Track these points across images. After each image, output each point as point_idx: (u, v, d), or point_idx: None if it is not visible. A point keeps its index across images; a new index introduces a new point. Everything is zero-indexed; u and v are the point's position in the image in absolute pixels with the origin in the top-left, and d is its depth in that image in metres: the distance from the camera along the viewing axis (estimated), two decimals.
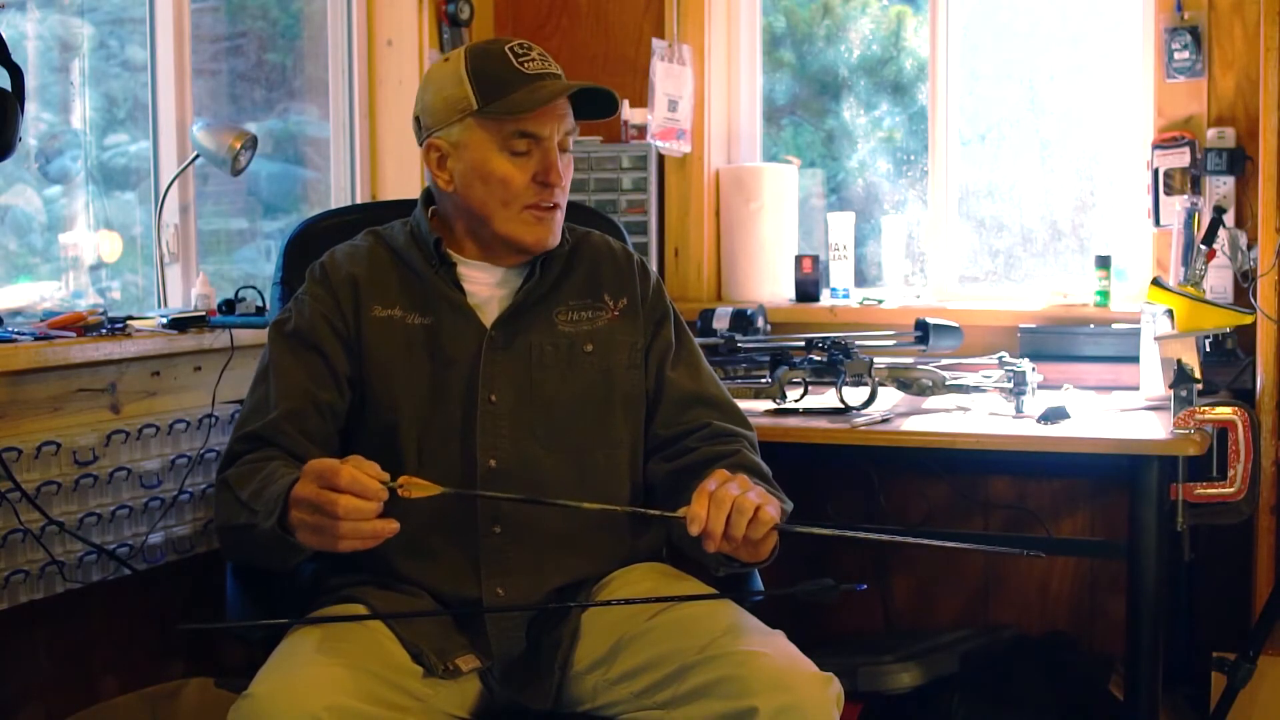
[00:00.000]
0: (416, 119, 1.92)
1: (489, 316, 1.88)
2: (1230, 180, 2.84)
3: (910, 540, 1.64)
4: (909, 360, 2.73)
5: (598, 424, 1.88)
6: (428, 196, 1.96)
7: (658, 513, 1.73)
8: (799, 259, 3.27)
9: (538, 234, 1.87)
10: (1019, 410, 2.56)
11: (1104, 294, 2.97)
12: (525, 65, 1.83)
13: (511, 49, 1.84)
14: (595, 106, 1.91)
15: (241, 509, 1.70)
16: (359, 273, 1.89)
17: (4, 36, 1.97)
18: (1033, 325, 2.97)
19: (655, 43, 3.27)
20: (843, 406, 2.58)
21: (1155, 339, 2.56)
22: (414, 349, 1.86)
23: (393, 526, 1.57)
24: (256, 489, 1.69)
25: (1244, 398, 2.63)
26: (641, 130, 3.29)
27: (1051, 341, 2.92)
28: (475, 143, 1.85)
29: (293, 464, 1.71)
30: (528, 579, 1.81)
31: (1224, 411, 2.37)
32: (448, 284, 1.88)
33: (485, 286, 1.91)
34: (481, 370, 1.84)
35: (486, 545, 1.81)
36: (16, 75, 1.97)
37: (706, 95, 3.36)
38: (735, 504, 1.61)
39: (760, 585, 1.99)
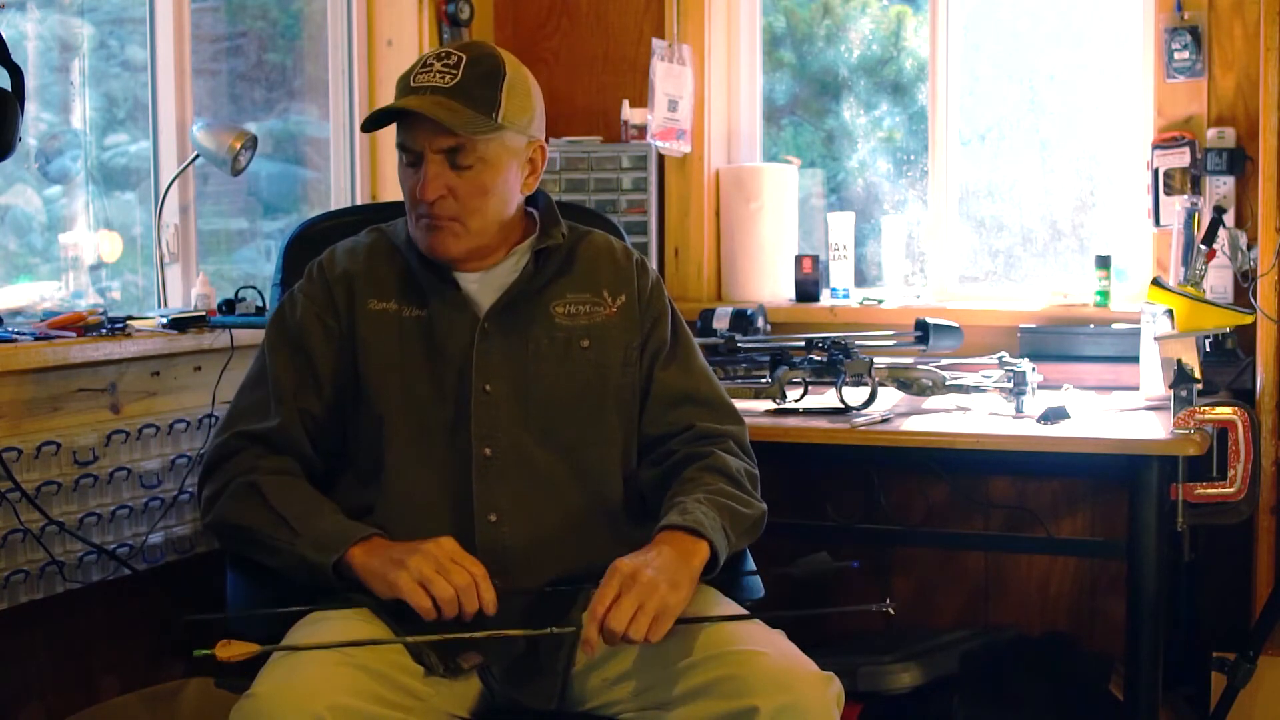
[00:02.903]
0: None
1: (483, 309, 1.89)
2: (1230, 180, 2.84)
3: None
4: (909, 360, 2.73)
5: (592, 421, 1.89)
6: None
7: (549, 631, 1.68)
8: (799, 259, 3.27)
9: (428, 241, 1.86)
10: (1019, 410, 2.56)
11: (1104, 294, 2.97)
12: (413, 79, 1.82)
13: (425, 59, 1.83)
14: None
15: (278, 523, 1.75)
16: (356, 268, 1.92)
17: (4, 36, 1.97)
18: (1033, 325, 2.97)
19: (655, 43, 3.27)
20: (843, 406, 2.58)
21: (1155, 339, 2.56)
22: (409, 341, 1.87)
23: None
24: (301, 512, 1.76)
25: (1244, 398, 2.63)
26: (641, 130, 3.29)
27: (1051, 341, 2.92)
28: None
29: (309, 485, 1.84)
30: (525, 570, 1.81)
31: (1224, 411, 2.37)
32: (443, 278, 1.90)
33: (480, 280, 1.91)
34: (475, 360, 1.85)
35: (483, 534, 1.80)
36: (16, 75, 1.97)
37: (706, 95, 3.36)
38: (626, 635, 1.60)
39: (759, 586, 1.98)
